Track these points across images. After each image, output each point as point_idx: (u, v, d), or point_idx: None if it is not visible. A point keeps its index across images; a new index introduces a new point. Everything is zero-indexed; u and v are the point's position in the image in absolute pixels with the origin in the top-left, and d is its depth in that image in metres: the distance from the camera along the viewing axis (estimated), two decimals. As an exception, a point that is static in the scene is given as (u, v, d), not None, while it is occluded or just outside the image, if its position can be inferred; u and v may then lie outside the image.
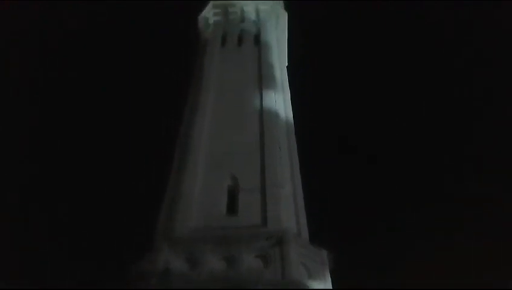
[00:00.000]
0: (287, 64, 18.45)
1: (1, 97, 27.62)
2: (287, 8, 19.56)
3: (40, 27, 31.55)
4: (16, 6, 28.86)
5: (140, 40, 37.74)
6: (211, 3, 18.07)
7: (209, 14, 17.96)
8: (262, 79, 14.41)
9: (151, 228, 11.11)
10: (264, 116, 12.99)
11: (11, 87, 29.18)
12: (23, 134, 29.63)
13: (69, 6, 31.47)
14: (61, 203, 28.00)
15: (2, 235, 22.79)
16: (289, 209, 10.90)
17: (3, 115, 27.25)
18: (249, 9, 17.62)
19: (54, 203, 28.32)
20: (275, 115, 13.26)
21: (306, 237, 10.84)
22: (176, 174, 11.96)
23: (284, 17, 18.83)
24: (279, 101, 13.99)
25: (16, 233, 24.36)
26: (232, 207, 10.93)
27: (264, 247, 9.61)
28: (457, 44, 34.00)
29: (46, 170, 29.96)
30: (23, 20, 30.44)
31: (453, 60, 34.22)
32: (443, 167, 31.14)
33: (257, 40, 16.49)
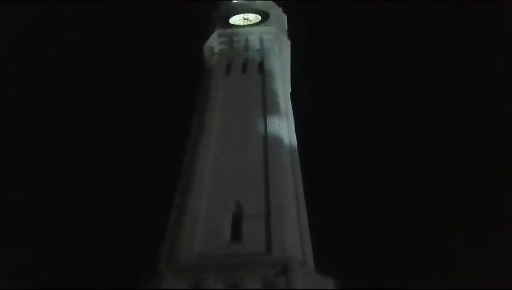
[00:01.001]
0: (290, 90, 18.76)
1: (1, 97, 27.90)
2: (291, 37, 20.09)
3: (40, 27, 31.88)
4: (15, 6, 29.29)
5: (145, 69, 38.45)
6: (216, 33, 18.57)
7: (214, 43, 18.42)
8: (266, 106, 14.63)
9: (154, 255, 11.03)
10: (268, 142, 13.11)
11: (11, 87, 29.50)
12: (23, 134, 29.74)
13: (69, 6, 31.93)
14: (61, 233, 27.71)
15: (2, 235, 22.63)
16: (294, 235, 10.80)
17: (3, 115, 27.47)
18: (253, 38, 18.07)
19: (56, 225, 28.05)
20: (279, 140, 13.37)
21: (311, 264, 10.69)
22: (180, 201, 11.97)
23: (287, 45, 19.27)
24: (283, 127, 14.14)
25: (15, 233, 24.19)
26: (236, 233, 10.86)
27: (269, 275, 9.46)
28: (458, 44, 34.15)
29: (46, 171, 29.88)
30: (23, 20, 30.87)
31: (453, 62, 34.35)
32: (448, 174, 30.86)
33: (261, 67, 16.83)
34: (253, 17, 19.38)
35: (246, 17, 19.42)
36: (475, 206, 26.83)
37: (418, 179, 31.43)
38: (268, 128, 13.63)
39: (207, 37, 19.02)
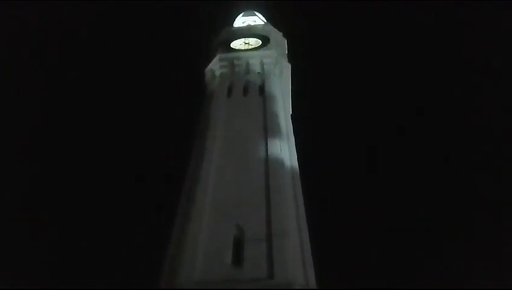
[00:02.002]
0: (291, 112, 18.88)
1: (1, 97, 27.89)
2: (291, 60, 20.39)
3: (40, 27, 32.07)
4: (16, 6, 29.46)
5: (146, 71, 38.75)
6: (217, 57, 18.87)
7: (215, 66, 18.71)
8: (268, 128, 14.68)
9: (154, 280, 10.83)
10: (270, 165, 13.06)
11: (11, 87, 29.52)
12: (23, 134, 29.66)
13: (69, 6, 32.16)
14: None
15: (2, 235, 22.37)
16: (296, 260, 10.60)
17: (3, 115, 27.43)
18: (254, 62, 18.36)
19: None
20: (280, 163, 13.33)
21: (314, 288, 10.46)
22: (180, 225, 11.83)
23: (287, 68, 19.53)
24: (284, 150, 14.13)
25: (15, 233, 23.95)
26: (237, 258, 10.67)
27: (271, 301, 9.26)
28: (458, 44, 34.29)
29: (46, 172, 29.66)
30: (23, 20, 31.04)
31: (453, 62, 34.47)
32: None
33: (262, 90, 17.00)
34: (254, 42, 19.74)
35: (246, 41, 19.78)
36: (475, 206, 26.79)
37: (419, 182, 31.35)
38: (270, 151, 13.62)
39: (209, 60, 19.33)
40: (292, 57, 20.95)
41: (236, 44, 19.73)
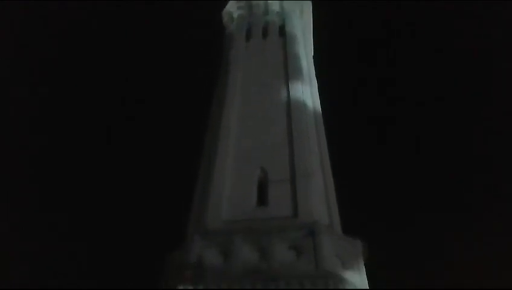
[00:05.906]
0: (313, 54, 18.21)
1: (2, 97, 28.25)
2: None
3: (39, 28, 31.76)
4: (15, 6, 29.07)
5: (163, 37, 38.09)
6: (234, -3, 18.05)
7: (233, 8, 17.94)
8: (289, 70, 14.28)
9: (183, 220, 11.31)
10: (292, 107, 12.88)
11: (11, 87, 29.81)
12: (23, 134, 30.26)
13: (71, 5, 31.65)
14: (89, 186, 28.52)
15: (3, 235, 23.17)
16: (320, 199, 10.76)
17: (4, 115, 27.90)
18: (273, 1, 17.46)
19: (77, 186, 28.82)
20: (302, 105, 13.11)
21: (338, 227, 10.68)
22: (206, 167, 12.09)
23: (308, 6, 18.54)
24: (306, 92, 13.82)
25: (17, 233, 24.80)
26: (262, 199, 10.92)
27: (297, 238, 9.53)
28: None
29: (61, 163, 30.58)
30: (23, 20, 30.64)
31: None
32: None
33: (282, 31, 16.33)
34: (272, -21, 18.61)
35: (264, -21, 18.67)
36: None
37: (456, 154, 30.95)
38: (292, 93, 13.36)
39: (226, 2, 18.55)
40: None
41: (254, -18, 18.69)
